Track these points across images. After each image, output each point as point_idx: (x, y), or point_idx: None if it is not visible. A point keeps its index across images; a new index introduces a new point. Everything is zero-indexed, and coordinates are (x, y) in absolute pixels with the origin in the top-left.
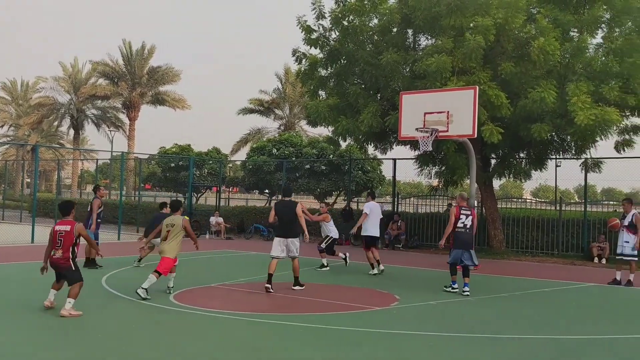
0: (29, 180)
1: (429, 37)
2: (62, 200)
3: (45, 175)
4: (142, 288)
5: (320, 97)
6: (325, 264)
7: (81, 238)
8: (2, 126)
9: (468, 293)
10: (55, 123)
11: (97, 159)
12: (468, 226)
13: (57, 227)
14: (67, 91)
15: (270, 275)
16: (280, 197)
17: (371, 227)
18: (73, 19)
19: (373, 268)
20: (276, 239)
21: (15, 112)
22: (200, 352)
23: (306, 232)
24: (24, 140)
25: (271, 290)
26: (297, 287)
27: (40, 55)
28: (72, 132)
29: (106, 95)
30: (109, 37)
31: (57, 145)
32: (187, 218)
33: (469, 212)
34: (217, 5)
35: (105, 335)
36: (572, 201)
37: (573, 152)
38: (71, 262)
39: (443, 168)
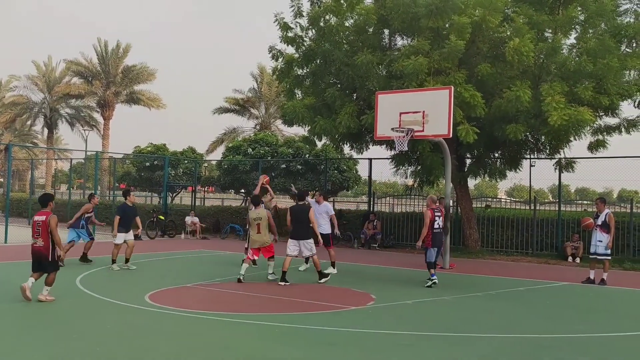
0: (1, 180)
1: (405, 37)
2: (41, 194)
3: (18, 175)
4: (270, 273)
5: (297, 96)
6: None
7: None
8: None
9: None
10: (29, 122)
11: (71, 159)
12: (442, 226)
13: (36, 218)
14: (41, 90)
15: (284, 273)
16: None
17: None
18: (47, 17)
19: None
20: (290, 240)
21: None
22: (172, 352)
23: (319, 237)
24: None
25: (287, 283)
26: (322, 280)
27: (13, 54)
28: (45, 131)
29: (80, 94)
30: (83, 36)
31: (31, 145)
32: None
33: (440, 213)
34: (193, 3)
35: (79, 335)
36: (546, 201)
37: (547, 152)
38: (50, 253)
39: (419, 168)
